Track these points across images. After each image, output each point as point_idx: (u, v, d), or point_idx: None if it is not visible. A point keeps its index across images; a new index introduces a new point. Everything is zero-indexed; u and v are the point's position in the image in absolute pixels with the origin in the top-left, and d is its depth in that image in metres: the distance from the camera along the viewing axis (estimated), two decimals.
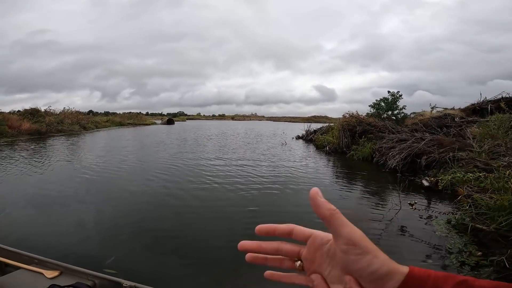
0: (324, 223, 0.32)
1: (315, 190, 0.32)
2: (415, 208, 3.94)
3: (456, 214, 3.52)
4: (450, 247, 3.00)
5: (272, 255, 0.37)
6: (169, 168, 7.26)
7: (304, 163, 8.61)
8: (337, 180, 6.48)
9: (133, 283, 1.50)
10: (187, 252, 2.91)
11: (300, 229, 0.36)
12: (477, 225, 3.16)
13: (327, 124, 17.41)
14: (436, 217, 3.75)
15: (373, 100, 12.68)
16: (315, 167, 8.06)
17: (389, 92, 12.00)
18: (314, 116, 67.67)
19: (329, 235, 0.33)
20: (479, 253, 2.80)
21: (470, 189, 4.35)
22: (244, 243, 0.37)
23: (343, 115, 12.14)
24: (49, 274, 1.67)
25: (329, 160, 9.58)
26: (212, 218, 3.88)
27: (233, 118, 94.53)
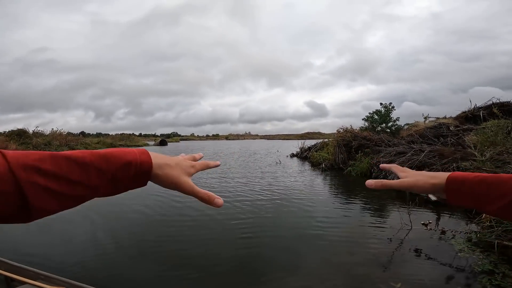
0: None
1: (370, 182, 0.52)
2: (430, 228, 3.53)
3: (478, 232, 3.12)
4: (479, 268, 2.59)
5: None
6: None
7: (300, 181, 8.21)
8: (336, 198, 6.07)
9: None
10: (188, 267, 2.91)
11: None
12: (504, 242, 2.77)
13: (321, 140, 17.23)
14: (454, 235, 3.35)
15: (363, 113, 12.68)
16: (311, 185, 7.65)
17: (381, 104, 11.95)
18: (308, 133, 68.00)
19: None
20: None
21: None
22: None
23: (337, 130, 11.95)
24: None
25: (326, 178, 9.20)
26: (207, 239, 3.74)
27: (227, 138, 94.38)
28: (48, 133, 22.43)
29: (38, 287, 1.74)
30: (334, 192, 6.81)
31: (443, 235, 3.43)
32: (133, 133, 54.07)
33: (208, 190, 0.44)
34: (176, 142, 60.80)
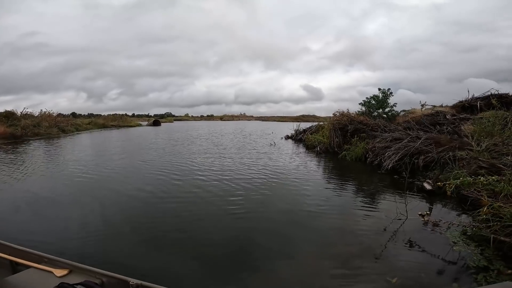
0: None
1: None
2: (427, 220, 3.50)
3: (474, 226, 3.09)
4: (473, 264, 2.57)
5: None
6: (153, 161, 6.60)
7: (294, 164, 8.14)
8: (330, 183, 6.03)
9: (139, 282, 1.53)
10: (186, 248, 3.04)
11: None
12: (501, 238, 2.74)
13: (316, 123, 17.08)
14: (449, 227, 3.32)
15: (359, 98, 12.57)
16: (306, 168, 7.59)
17: (379, 89, 11.73)
18: (303, 115, 67.63)
19: None
20: (509, 271, 2.38)
21: (478, 193, 3.97)
22: None
23: (333, 114, 11.79)
24: (59, 272, 1.71)
25: (321, 161, 9.15)
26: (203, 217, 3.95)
27: (221, 118, 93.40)
28: (37, 114, 21.75)
29: (43, 270, 1.75)
30: (328, 176, 6.76)
31: (437, 227, 3.41)
32: (126, 114, 52.90)
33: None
34: (170, 122, 59.97)
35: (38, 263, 1.84)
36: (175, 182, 5.88)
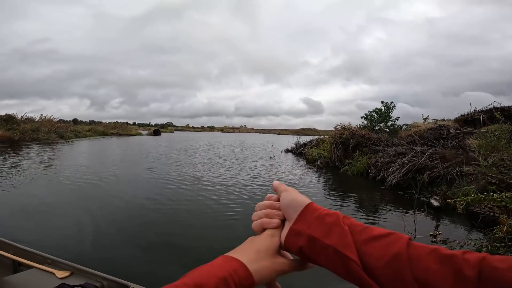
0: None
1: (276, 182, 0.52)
2: (439, 240, 3.25)
3: (492, 245, 2.85)
4: None
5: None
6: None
7: (294, 178, 7.91)
8: (331, 198, 5.79)
9: (139, 286, 1.53)
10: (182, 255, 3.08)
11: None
12: None
13: (316, 136, 16.95)
14: (462, 246, 3.07)
15: (357, 112, 12.52)
16: (305, 182, 7.36)
17: (382, 102, 11.67)
18: (303, 129, 67.82)
19: None
20: None
21: (490, 210, 3.74)
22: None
23: (334, 127, 11.67)
24: (60, 274, 1.73)
25: (321, 175, 8.92)
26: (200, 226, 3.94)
27: (222, 130, 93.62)
28: (37, 119, 21.73)
29: (45, 271, 1.74)
30: (329, 191, 6.53)
31: (448, 245, 3.15)
32: (127, 122, 53.18)
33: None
34: (170, 132, 60.03)
35: (41, 264, 1.84)
36: (173, 195, 5.64)
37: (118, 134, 32.95)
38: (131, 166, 9.42)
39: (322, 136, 15.85)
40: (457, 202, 3.59)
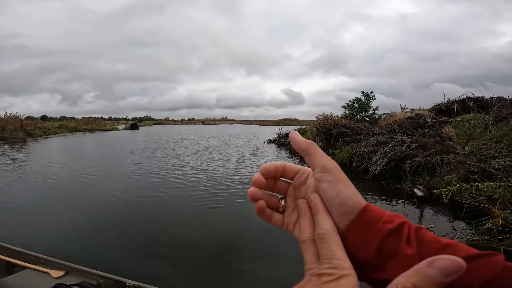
0: (303, 156, 0.32)
1: (293, 131, 0.34)
2: None
3: (483, 238, 2.80)
4: None
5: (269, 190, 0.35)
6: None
7: None
8: None
9: (136, 283, 1.55)
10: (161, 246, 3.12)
11: (291, 166, 0.35)
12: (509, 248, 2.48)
13: (298, 126, 16.94)
14: (451, 239, 3.02)
15: (337, 103, 12.54)
16: None
17: (363, 92, 11.72)
18: (284, 119, 68.14)
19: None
20: None
21: (474, 199, 3.76)
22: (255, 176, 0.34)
23: (316, 117, 11.61)
24: (55, 273, 1.72)
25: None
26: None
27: (203, 122, 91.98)
28: (3, 117, 20.10)
29: (40, 271, 1.75)
30: None
31: None
32: (101, 117, 50.63)
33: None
34: (149, 126, 57.99)
35: (35, 264, 1.83)
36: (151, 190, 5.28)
37: (92, 130, 31.20)
38: (113, 162, 8.80)
39: (304, 126, 15.85)
40: (442, 192, 3.56)
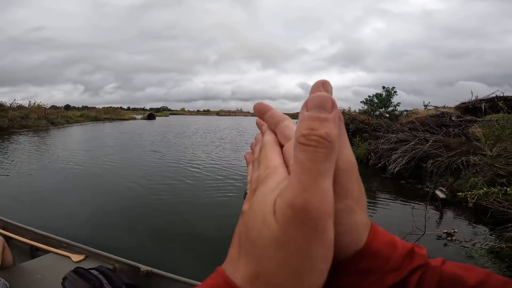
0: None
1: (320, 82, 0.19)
2: (455, 240, 3.06)
3: (506, 247, 2.68)
4: None
5: None
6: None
7: None
8: None
9: (149, 268, 1.61)
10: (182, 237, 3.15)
11: (274, 113, 0.24)
12: None
13: None
14: (474, 244, 2.91)
15: (354, 98, 12.18)
16: None
17: (383, 88, 11.32)
18: (299, 113, 67.30)
19: None
20: None
21: (499, 204, 3.57)
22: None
23: None
24: (76, 257, 1.80)
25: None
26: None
27: (218, 113, 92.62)
28: (27, 106, 21.34)
29: (61, 255, 1.82)
30: None
31: (460, 243, 2.99)
32: (120, 107, 52.17)
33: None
34: (165, 116, 59.13)
35: (57, 248, 1.90)
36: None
37: (111, 119, 32.26)
38: (133, 149, 9.09)
39: None
40: (467, 195, 3.39)
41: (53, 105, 28.92)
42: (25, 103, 21.90)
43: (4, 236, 1.93)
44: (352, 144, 4.97)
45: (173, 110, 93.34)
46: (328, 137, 0.16)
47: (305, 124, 0.16)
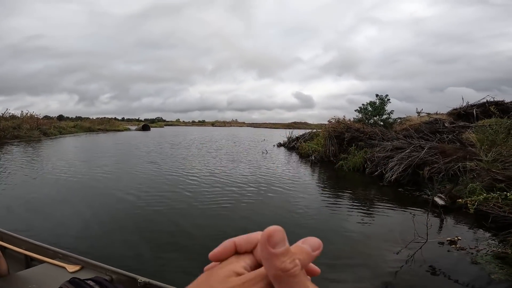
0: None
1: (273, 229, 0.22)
2: (459, 248, 2.98)
3: (510, 249, 2.60)
4: None
5: None
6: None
7: (287, 173, 7.63)
8: (327, 195, 5.53)
9: (147, 280, 1.58)
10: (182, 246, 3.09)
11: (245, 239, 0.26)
12: None
13: (309, 130, 16.72)
14: (478, 251, 2.83)
15: (349, 106, 12.36)
16: (299, 178, 7.08)
17: (377, 95, 11.45)
18: (295, 122, 67.61)
19: None
20: None
21: (500, 209, 3.53)
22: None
23: (328, 121, 11.39)
24: (71, 268, 1.77)
25: (316, 171, 8.67)
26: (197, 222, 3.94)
27: (213, 124, 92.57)
28: (20, 115, 21.05)
29: (57, 266, 1.80)
30: (324, 187, 6.26)
31: (464, 250, 2.91)
32: (115, 118, 51.90)
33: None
34: (160, 127, 58.74)
35: (52, 259, 1.88)
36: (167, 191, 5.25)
37: (105, 130, 31.89)
38: (130, 160, 8.90)
39: (315, 130, 15.63)
40: (467, 201, 3.34)
41: (46, 115, 28.68)
42: (18, 113, 21.57)
43: None
44: (348, 153, 5.00)
45: (168, 121, 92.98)
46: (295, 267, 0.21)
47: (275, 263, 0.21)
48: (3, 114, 20.10)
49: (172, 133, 33.40)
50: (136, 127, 43.12)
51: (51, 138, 19.59)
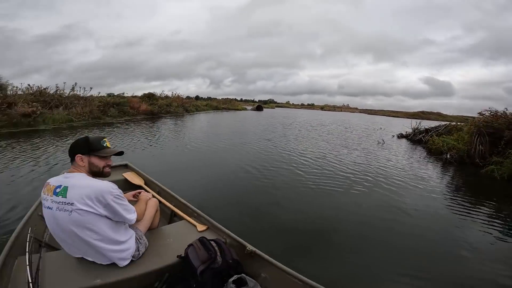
0: None
1: None
2: None
3: None
4: None
5: None
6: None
7: (406, 170, 6.62)
8: (456, 205, 4.42)
9: (254, 249, 1.65)
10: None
11: None
12: None
13: (445, 122, 13.57)
14: None
15: (507, 97, 9.01)
16: (422, 178, 6.00)
17: None
18: (423, 112, 55.85)
19: None
20: None
21: None
22: None
23: (479, 113, 8.87)
24: (200, 227, 1.96)
25: (449, 173, 7.08)
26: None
27: (322, 108, 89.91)
28: (171, 96, 27.16)
29: (190, 224, 2.02)
30: (456, 194, 5.01)
31: None
32: (235, 98, 58.76)
33: None
34: (271, 108, 62.39)
35: (190, 217, 2.12)
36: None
37: (228, 109, 36.89)
38: (251, 136, 10.26)
39: (453, 123, 12.60)
40: None
41: (187, 96, 35.78)
42: (170, 94, 27.86)
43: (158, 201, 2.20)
44: (504, 156, 3.95)
45: (278, 103, 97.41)
46: None
47: None
48: (160, 95, 26.27)
49: (283, 114, 34.99)
50: (251, 107, 47.45)
51: (190, 114, 24.47)
